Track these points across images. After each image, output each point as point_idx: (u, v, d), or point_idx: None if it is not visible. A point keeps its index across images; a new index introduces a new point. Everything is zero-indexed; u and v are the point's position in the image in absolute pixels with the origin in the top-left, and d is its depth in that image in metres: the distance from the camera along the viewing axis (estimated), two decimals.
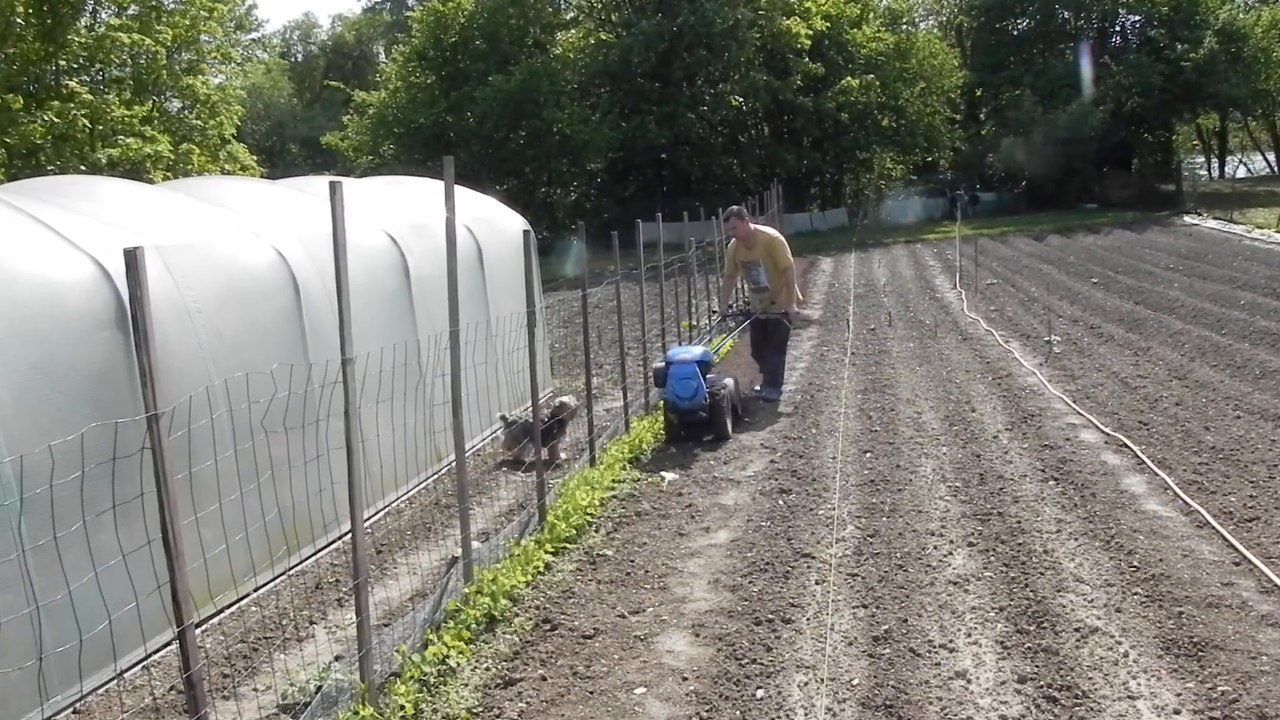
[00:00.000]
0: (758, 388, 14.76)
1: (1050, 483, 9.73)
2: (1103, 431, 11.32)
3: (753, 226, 14.87)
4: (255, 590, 8.10)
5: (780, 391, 14.54)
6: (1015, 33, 64.80)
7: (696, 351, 13.01)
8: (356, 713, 5.53)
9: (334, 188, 5.27)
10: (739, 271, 15.25)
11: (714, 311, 18.32)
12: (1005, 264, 32.07)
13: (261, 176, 38.16)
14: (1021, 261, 32.55)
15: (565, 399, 12.20)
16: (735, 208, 15.02)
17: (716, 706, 5.93)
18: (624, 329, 13.59)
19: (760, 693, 6.07)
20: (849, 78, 55.90)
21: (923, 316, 22.14)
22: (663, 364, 12.79)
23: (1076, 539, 8.20)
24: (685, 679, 6.32)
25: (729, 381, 13.04)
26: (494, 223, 14.85)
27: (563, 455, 11.95)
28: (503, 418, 12.19)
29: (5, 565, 5.72)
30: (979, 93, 65.72)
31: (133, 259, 3.80)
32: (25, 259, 6.78)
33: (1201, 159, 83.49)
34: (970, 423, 12.27)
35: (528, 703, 6.15)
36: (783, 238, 14.91)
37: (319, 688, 5.96)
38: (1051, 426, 11.77)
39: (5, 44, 32.69)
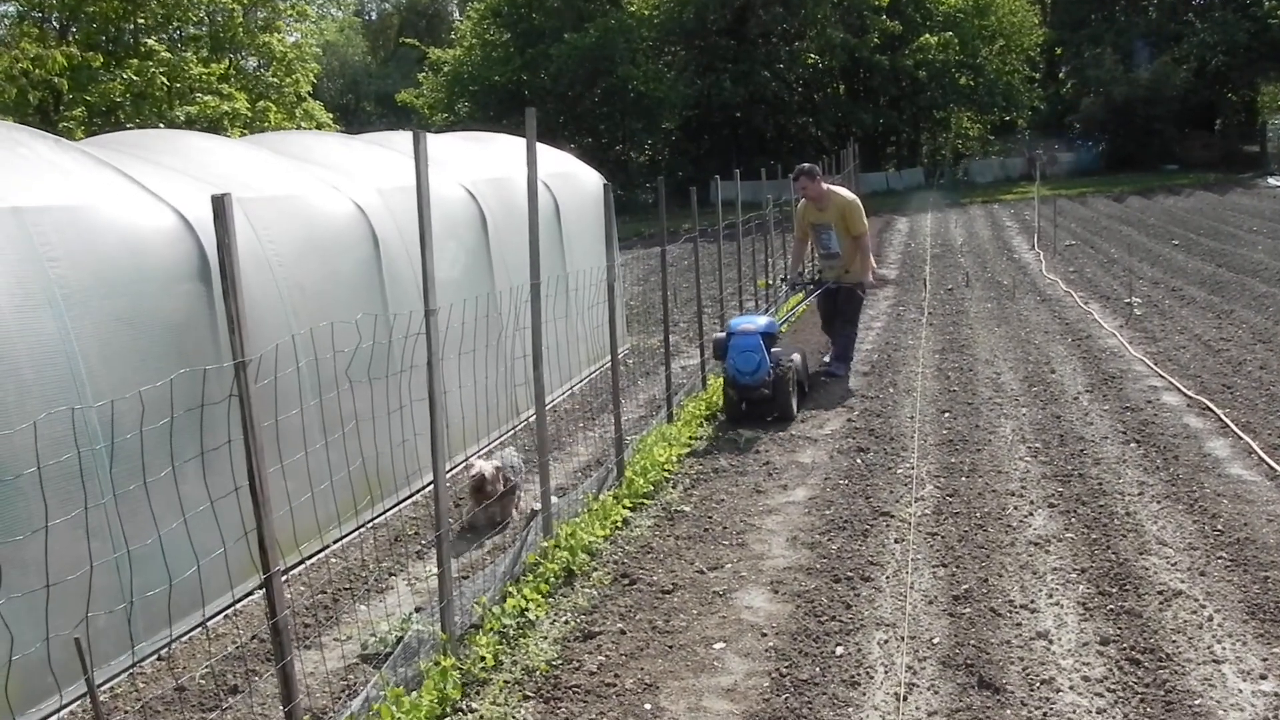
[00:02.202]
0: (826, 360, 13.50)
1: (1132, 445, 9.58)
2: (1185, 394, 11.12)
3: (825, 186, 13.27)
4: (336, 542, 8.18)
5: (849, 368, 13.29)
6: None
7: (761, 321, 11.79)
8: (437, 663, 5.56)
9: (418, 138, 5.26)
10: (809, 235, 13.74)
11: (784, 278, 17.38)
12: (1084, 225, 31.60)
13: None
14: (1101, 223, 32.07)
15: (480, 465, 8.51)
16: (806, 165, 13.43)
17: (796, 662, 5.90)
18: (701, 287, 13.50)
19: (840, 650, 6.04)
20: (927, 35, 55.18)
21: (1001, 277, 21.87)
22: (723, 334, 11.80)
23: (1159, 502, 8.07)
24: (764, 635, 6.30)
25: (796, 356, 11.99)
26: (571, 178, 14.82)
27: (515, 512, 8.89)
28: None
29: (94, 511, 5.79)
30: (1059, 51, 64.53)
31: (220, 206, 3.80)
32: (109, 211, 6.83)
33: None
34: (1050, 384, 12.10)
35: (607, 656, 6.16)
36: (858, 201, 13.43)
37: (400, 638, 6.00)
38: (1133, 389, 11.58)
39: (85, 3, 33.00)
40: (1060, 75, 65.92)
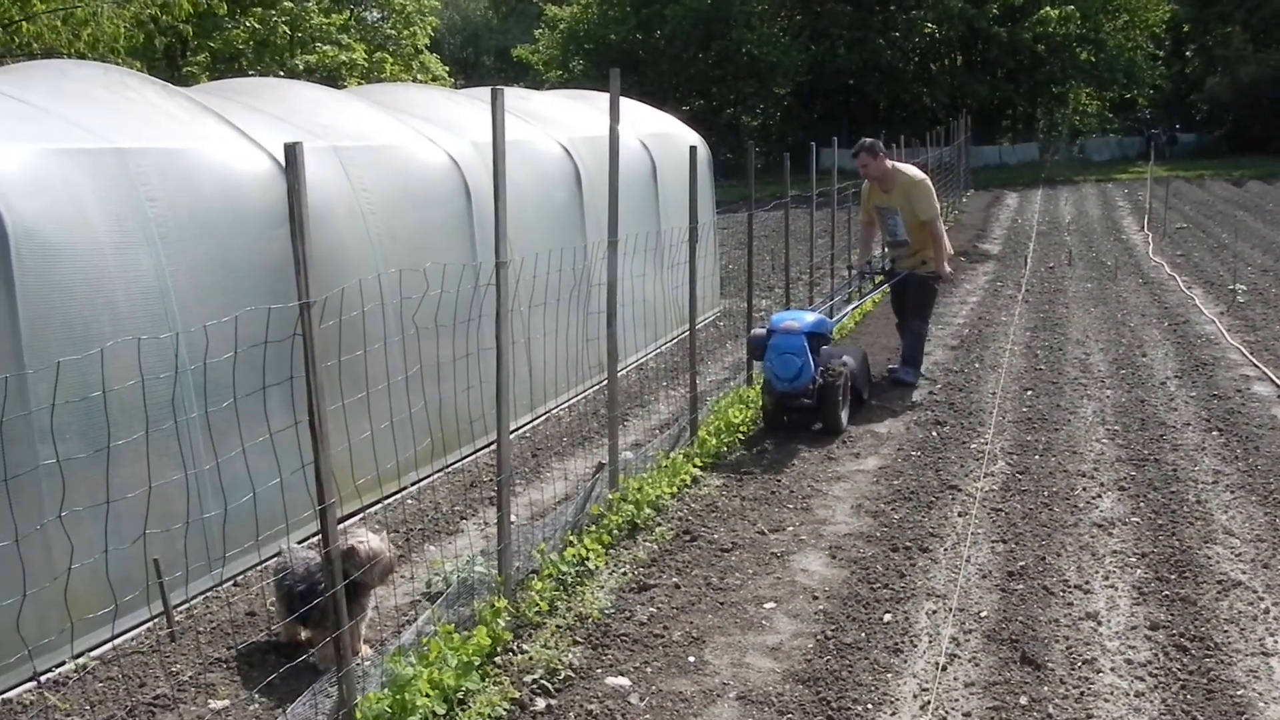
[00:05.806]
0: (892, 366, 12.05)
1: (1214, 433, 9.48)
2: (1277, 385, 10.96)
3: (890, 164, 11.59)
4: (414, 484, 8.44)
5: (918, 373, 11.75)
6: None
7: (809, 319, 10.19)
8: (493, 604, 5.74)
9: (495, 94, 5.40)
10: (875, 219, 11.99)
11: (849, 267, 15.35)
12: (1198, 208, 30.99)
13: (453, 87, 38.78)
14: (1216, 206, 31.40)
15: (359, 540, 5.56)
16: (866, 140, 11.70)
17: (843, 626, 6.01)
18: (792, 253, 13.53)
19: (888, 617, 6.13)
20: (1048, 8, 54.24)
21: (1104, 257, 21.62)
22: (763, 331, 10.25)
23: (1232, 491, 8.00)
24: (816, 598, 6.42)
25: (848, 359, 10.39)
26: (671, 139, 14.90)
27: (363, 646, 5.75)
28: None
29: (171, 440, 6.07)
30: (1185, 28, 63.03)
31: (292, 153, 4.00)
32: (208, 155, 7.10)
33: None
34: (1139, 367, 12.00)
35: (659, 608, 6.32)
36: (928, 181, 11.72)
37: (460, 578, 6.21)
38: (1224, 377, 11.43)
39: None
40: (1186, 54, 64.40)
